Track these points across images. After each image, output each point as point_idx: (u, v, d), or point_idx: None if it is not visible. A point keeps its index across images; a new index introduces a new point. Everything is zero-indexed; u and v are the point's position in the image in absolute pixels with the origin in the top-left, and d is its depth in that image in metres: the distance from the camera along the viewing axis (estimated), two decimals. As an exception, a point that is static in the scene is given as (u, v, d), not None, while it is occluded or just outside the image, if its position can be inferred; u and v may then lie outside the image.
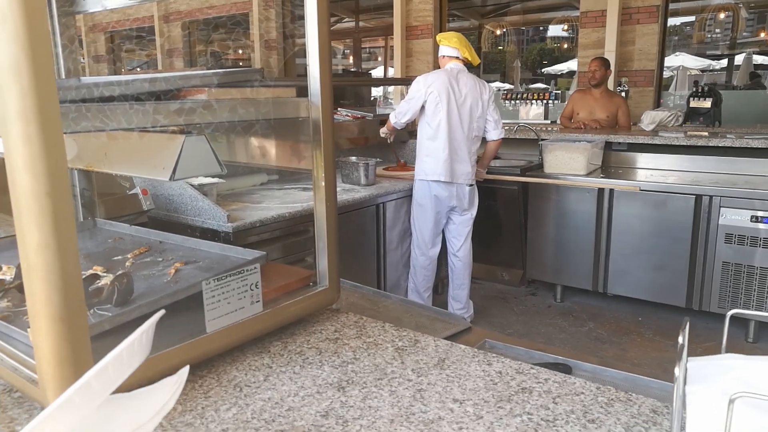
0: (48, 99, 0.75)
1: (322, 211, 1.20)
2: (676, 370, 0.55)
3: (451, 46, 3.55)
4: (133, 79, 1.06)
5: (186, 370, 0.67)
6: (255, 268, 1.08)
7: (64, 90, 0.93)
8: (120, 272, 1.15)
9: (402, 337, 1.17)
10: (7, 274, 1.28)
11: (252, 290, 1.07)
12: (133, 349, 0.59)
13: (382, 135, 3.94)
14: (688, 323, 0.62)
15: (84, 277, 1.13)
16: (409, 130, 4.64)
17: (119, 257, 1.39)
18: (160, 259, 1.37)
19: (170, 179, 0.96)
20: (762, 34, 12.37)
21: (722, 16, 9.79)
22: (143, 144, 1.07)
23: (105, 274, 1.25)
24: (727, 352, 0.78)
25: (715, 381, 0.63)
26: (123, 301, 1.09)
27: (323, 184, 1.19)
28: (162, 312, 0.64)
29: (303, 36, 1.14)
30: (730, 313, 0.70)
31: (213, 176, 2.68)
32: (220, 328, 1.03)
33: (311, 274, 1.26)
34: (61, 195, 0.78)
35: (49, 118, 0.75)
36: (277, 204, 3.09)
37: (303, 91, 1.20)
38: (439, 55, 3.65)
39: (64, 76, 1.59)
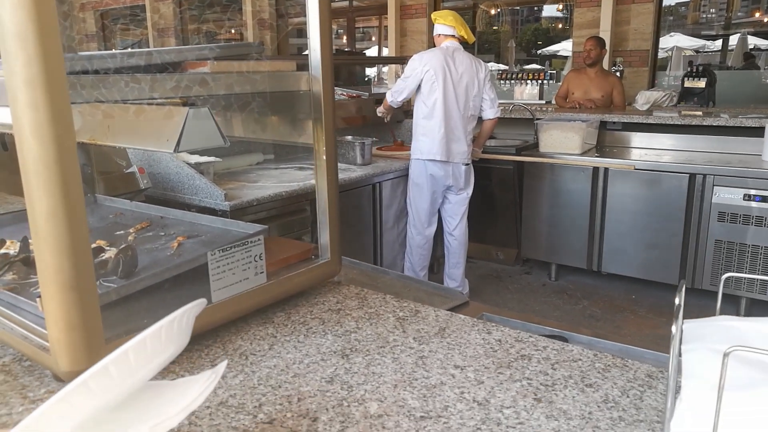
0: (54, 66, 0.76)
1: (324, 186, 1.21)
2: (673, 328, 0.57)
3: (446, 24, 3.54)
4: (135, 52, 1.07)
5: (223, 365, 0.66)
6: (259, 239, 1.09)
7: (68, 61, 0.93)
8: (124, 245, 1.17)
9: (403, 308, 1.19)
10: (11, 249, 1.29)
11: (256, 261, 1.09)
12: (160, 336, 0.58)
13: (379, 114, 3.95)
14: (684, 285, 0.64)
15: (88, 249, 1.14)
16: (405, 110, 4.64)
17: (121, 232, 1.40)
18: (162, 234, 1.38)
19: (174, 151, 0.96)
20: (757, 14, 12.35)
21: (717, -5, 9.75)
22: (146, 117, 1.07)
23: (109, 248, 1.26)
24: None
25: (710, 339, 0.65)
26: (128, 273, 1.10)
27: (324, 158, 1.20)
28: (203, 300, 0.63)
29: (296, 15, 1.14)
30: (724, 276, 0.72)
31: (215, 147, 2.69)
32: (225, 298, 1.05)
33: (313, 248, 1.28)
34: (69, 163, 0.79)
35: (55, 86, 0.76)
36: (273, 183, 3.10)
37: (302, 67, 1.20)
38: (435, 33, 3.64)
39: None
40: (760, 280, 3.44)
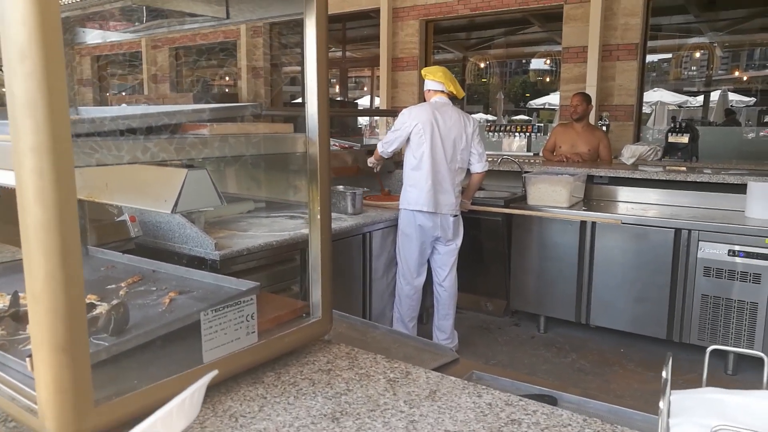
0: (61, 134, 0.78)
1: (317, 245, 1.23)
2: (661, 404, 0.59)
3: (436, 80, 3.64)
4: (133, 113, 1.10)
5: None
6: (251, 299, 1.10)
7: (73, 123, 0.96)
8: (116, 301, 1.17)
9: (393, 369, 1.19)
10: (0, 302, 1.29)
11: (248, 321, 1.10)
12: (171, 415, 0.58)
13: (370, 165, 4.01)
14: (671, 358, 0.66)
15: (80, 305, 1.14)
16: (396, 161, 4.71)
17: (113, 286, 1.40)
18: (154, 288, 1.38)
19: (172, 211, 0.98)
20: (736, 72, 12.78)
21: (698, 54, 10.13)
22: (145, 176, 1.09)
23: (100, 303, 1.26)
24: (707, 384, 0.81)
25: (697, 414, 0.67)
26: (119, 331, 1.10)
27: (319, 217, 1.22)
28: (215, 372, 0.64)
29: (289, 64, 1.18)
30: (709, 348, 0.74)
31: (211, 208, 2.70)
32: (216, 359, 1.05)
33: (304, 306, 1.28)
34: (69, 228, 0.80)
35: (61, 153, 0.78)
36: (264, 232, 3.10)
37: (292, 121, 1.23)
38: (425, 89, 3.74)
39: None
40: (746, 337, 3.46)
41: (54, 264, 0.79)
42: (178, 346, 1.13)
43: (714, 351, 0.85)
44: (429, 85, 3.68)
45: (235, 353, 1.08)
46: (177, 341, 1.14)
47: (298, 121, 1.27)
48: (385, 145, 3.72)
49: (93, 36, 1.72)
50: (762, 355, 0.77)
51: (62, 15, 1.45)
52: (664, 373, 0.63)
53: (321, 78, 1.16)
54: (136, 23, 1.60)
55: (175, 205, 0.98)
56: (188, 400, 0.58)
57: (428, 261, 3.79)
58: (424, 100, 3.75)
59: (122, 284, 1.40)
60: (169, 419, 0.57)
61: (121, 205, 2.17)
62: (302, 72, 1.21)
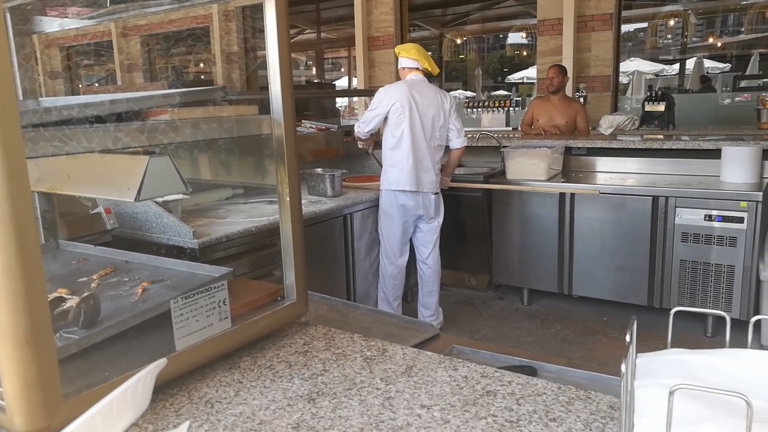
0: (9, 125, 0.76)
1: (288, 227, 1.22)
2: (623, 367, 0.59)
3: (410, 57, 3.61)
4: (94, 100, 1.07)
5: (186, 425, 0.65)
6: (222, 285, 1.09)
7: (25, 114, 0.93)
8: (86, 294, 1.15)
9: (370, 347, 1.19)
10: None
11: (220, 307, 1.09)
12: (126, 398, 0.57)
13: (361, 146, 3.97)
14: (635, 322, 0.66)
15: (48, 300, 1.12)
16: (375, 140, 4.69)
17: (84, 279, 1.38)
18: (127, 279, 1.36)
19: (135, 200, 0.96)
20: (710, 39, 12.84)
21: (672, 22, 10.15)
22: (107, 165, 1.07)
23: (70, 297, 1.24)
24: (685, 346, 0.82)
25: (662, 375, 0.67)
26: (90, 323, 1.09)
27: (288, 199, 1.21)
28: (164, 360, 0.62)
29: (264, 48, 1.16)
30: (673, 310, 0.74)
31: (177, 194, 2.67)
32: (189, 346, 1.04)
33: (279, 289, 1.28)
34: (24, 219, 0.79)
35: (10, 145, 0.76)
36: (243, 218, 3.08)
37: (266, 105, 1.22)
38: (399, 66, 3.70)
39: (21, 97, 1.57)
40: (724, 300, 3.52)
41: (10, 258, 0.77)
42: (151, 336, 1.12)
43: (694, 315, 0.86)
44: (403, 62, 3.65)
45: (209, 339, 1.07)
46: (150, 331, 1.13)
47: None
48: (361, 125, 3.68)
49: (53, 24, 1.68)
50: (724, 314, 0.77)
51: (18, 2, 1.41)
52: (627, 337, 0.63)
53: (283, 57, 1.14)
54: (97, 8, 1.56)
55: (138, 193, 0.97)
56: (131, 391, 0.57)
57: (411, 240, 3.79)
58: (399, 79, 3.72)
59: (94, 276, 1.38)
60: (109, 412, 0.55)
61: (86, 196, 2.14)
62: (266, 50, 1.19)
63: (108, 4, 1.52)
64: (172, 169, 1.02)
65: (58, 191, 1.11)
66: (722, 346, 0.80)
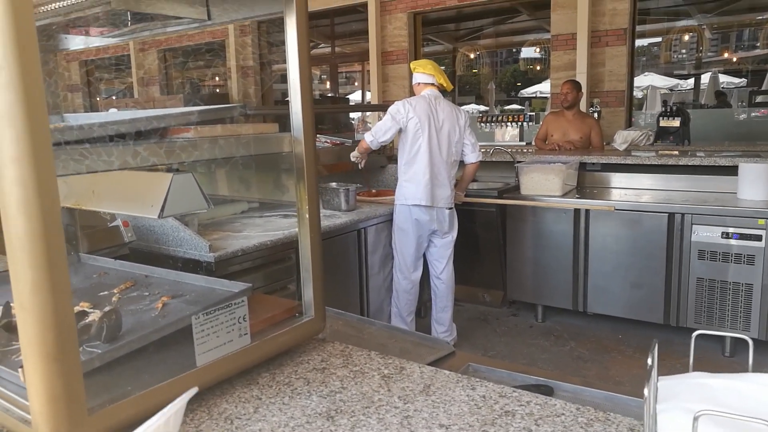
0: (42, 144, 0.78)
1: (307, 243, 1.23)
2: (645, 390, 0.59)
3: (426, 72, 3.63)
4: (119, 118, 1.09)
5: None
6: (242, 301, 1.10)
7: (53, 132, 0.95)
8: (108, 308, 1.17)
9: (388, 365, 1.20)
10: (-7, 313, 1.28)
11: (240, 323, 1.10)
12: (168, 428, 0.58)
13: (353, 159, 3.86)
14: (656, 345, 0.66)
15: (72, 314, 1.14)
16: (388, 155, 4.71)
17: (105, 292, 1.40)
18: (147, 294, 1.38)
19: (159, 217, 0.98)
20: (726, 54, 12.80)
21: (687, 37, 10.14)
22: (131, 182, 1.09)
23: (92, 311, 1.26)
24: (704, 367, 0.82)
25: (684, 398, 0.67)
26: (112, 338, 1.10)
27: (307, 216, 1.22)
28: (195, 389, 0.64)
29: (279, 62, 1.18)
30: (695, 333, 0.74)
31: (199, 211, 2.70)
32: (209, 362, 1.05)
33: (297, 305, 1.29)
34: (54, 236, 0.80)
35: (42, 162, 0.78)
36: (258, 232, 3.10)
37: (283, 120, 1.23)
38: (414, 82, 3.71)
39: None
40: (742, 319, 3.48)
41: (40, 273, 0.79)
42: (171, 350, 1.14)
43: (712, 334, 0.85)
44: (419, 78, 3.67)
45: (229, 355, 1.08)
46: (170, 345, 1.15)
47: (288, 119, 1.26)
48: (377, 135, 3.60)
49: (76, 42, 1.72)
50: (747, 338, 0.77)
51: (44, 22, 1.45)
52: (649, 360, 0.63)
53: (304, 77, 1.16)
54: (120, 27, 1.60)
55: (162, 210, 0.98)
56: (172, 420, 0.59)
57: (424, 255, 3.79)
58: (413, 94, 3.74)
59: (115, 290, 1.40)
60: None
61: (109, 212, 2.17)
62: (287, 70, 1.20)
63: (129, 25, 1.55)
64: (194, 186, 1.04)
65: (83, 207, 1.13)
66: (741, 366, 0.79)
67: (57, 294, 0.81)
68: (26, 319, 0.81)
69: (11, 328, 1.20)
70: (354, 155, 3.85)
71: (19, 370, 0.95)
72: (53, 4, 1.11)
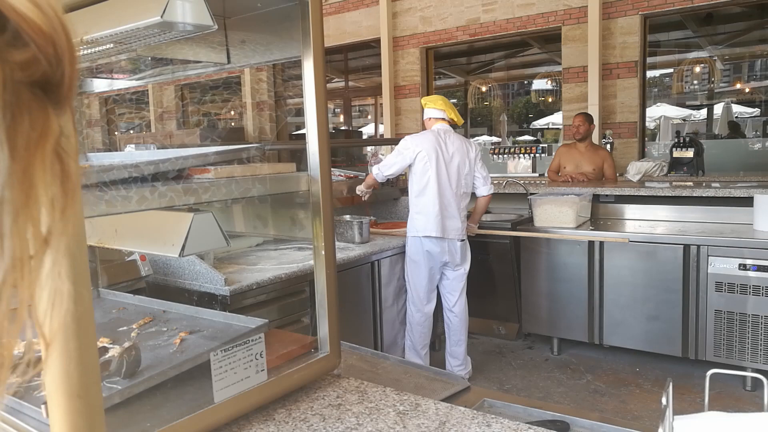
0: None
1: (323, 280, 1.25)
2: (660, 431, 0.60)
3: (437, 108, 3.69)
4: (142, 160, 1.13)
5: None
6: (259, 337, 1.12)
7: (82, 175, 0.99)
8: (127, 344, 1.19)
9: (403, 401, 1.20)
10: (15, 349, 1.31)
11: (257, 359, 1.11)
12: None
13: (359, 193, 3.93)
14: (671, 384, 0.67)
15: (92, 350, 1.16)
16: (401, 188, 4.75)
17: (124, 328, 1.43)
18: (165, 329, 1.40)
19: (180, 255, 1.01)
20: (738, 84, 12.81)
21: (698, 69, 10.18)
22: (152, 221, 1.12)
23: (112, 346, 1.28)
24: (724, 401, 0.82)
25: (700, 440, 0.67)
26: (131, 373, 1.12)
27: (323, 252, 1.25)
28: None
29: (294, 97, 1.22)
30: (709, 373, 0.75)
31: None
32: (227, 398, 1.06)
33: (312, 341, 1.30)
34: (80, 275, 0.83)
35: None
36: (273, 265, 3.13)
37: (298, 154, 1.27)
38: (425, 117, 3.78)
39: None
40: (762, 352, 3.42)
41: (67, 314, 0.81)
42: (188, 386, 1.15)
43: (729, 366, 0.85)
44: (429, 113, 3.73)
45: (246, 392, 1.10)
46: (188, 381, 1.16)
47: (303, 154, 1.30)
48: (383, 168, 3.68)
49: (101, 84, 1.78)
50: (762, 377, 0.77)
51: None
52: (663, 399, 0.64)
53: (320, 118, 1.20)
54: (142, 71, 1.66)
55: (182, 249, 1.01)
56: None
57: (438, 287, 3.79)
58: (425, 128, 3.80)
59: (134, 326, 1.43)
60: None
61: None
62: (304, 111, 1.24)
63: (151, 68, 1.61)
64: (214, 225, 1.07)
65: (106, 245, 1.16)
66: (762, 400, 0.79)
67: (82, 332, 0.83)
68: (51, 357, 0.84)
69: (34, 365, 1.23)
70: (360, 189, 3.94)
71: (42, 406, 0.97)
72: (83, 51, 1.17)
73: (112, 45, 1.22)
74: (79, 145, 1.69)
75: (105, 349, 1.24)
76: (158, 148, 3.58)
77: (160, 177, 1.10)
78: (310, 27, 1.14)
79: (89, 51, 1.18)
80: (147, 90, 10.96)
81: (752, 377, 3.49)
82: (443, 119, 3.68)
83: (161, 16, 0.97)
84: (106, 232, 1.19)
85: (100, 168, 1.04)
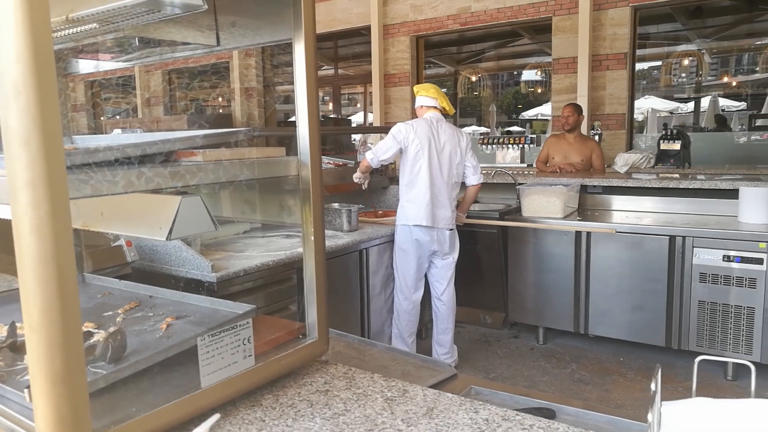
0: (56, 168, 0.80)
1: (311, 266, 1.24)
2: (650, 416, 0.60)
3: (429, 96, 3.67)
4: (129, 142, 1.11)
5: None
6: (247, 323, 1.11)
7: (67, 155, 0.97)
8: (113, 329, 1.17)
9: (391, 387, 1.20)
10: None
11: (245, 345, 1.10)
12: None
13: (356, 180, 3.91)
14: (660, 370, 0.67)
15: (77, 334, 1.15)
16: (390, 176, 4.74)
17: (110, 313, 1.41)
18: (151, 314, 1.39)
19: (167, 239, 1.00)
20: (725, 78, 12.91)
21: (686, 61, 10.23)
22: (139, 204, 1.11)
23: (97, 331, 1.27)
24: (706, 391, 0.83)
25: (687, 425, 0.68)
26: (117, 358, 1.11)
27: (312, 238, 1.24)
28: (217, 416, 0.64)
29: (282, 83, 1.20)
30: (698, 359, 0.75)
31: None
32: (214, 383, 1.05)
33: (300, 327, 1.29)
34: (65, 259, 0.82)
35: (56, 186, 0.80)
36: (260, 252, 3.11)
37: (287, 141, 1.25)
38: (417, 105, 3.76)
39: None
40: (744, 342, 3.47)
41: (50, 295, 0.80)
42: (175, 371, 1.14)
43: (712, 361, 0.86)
44: (422, 101, 3.71)
45: (233, 377, 1.09)
46: (175, 366, 1.15)
47: (292, 141, 1.28)
48: (378, 152, 3.63)
49: (86, 65, 1.75)
50: (749, 363, 0.78)
51: (57, 47, 1.48)
52: (653, 385, 0.64)
53: (311, 102, 1.19)
54: (129, 52, 1.63)
55: (170, 232, 1.00)
56: None
57: (426, 276, 3.80)
58: (416, 116, 3.78)
59: (119, 311, 1.41)
60: None
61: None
62: (294, 95, 1.23)
63: (139, 49, 1.58)
64: (202, 208, 1.06)
65: (91, 228, 1.14)
66: (743, 389, 0.80)
67: (67, 316, 0.82)
68: (35, 341, 0.82)
69: (16, 348, 1.21)
70: (356, 176, 3.90)
71: (26, 390, 0.96)
72: (68, 31, 1.14)
73: (98, 24, 1.19)
74: (65, 128, 1.66)
75: (90, 334, 1.23)
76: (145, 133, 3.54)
77: (146, 160, 1.09)
78: (302, 9, 1.12)
79: (74, 30, 1.16)
80: (134, 74, 10.82)
81: (738, 364, 3.56)
82: (435, 108, 3.67)
83: (149, -5, 0.95)
84: (91, 215, 1.17)
85: (86, 149, 1.02)
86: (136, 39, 1.46)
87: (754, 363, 0.81)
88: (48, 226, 0.79)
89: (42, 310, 0.81)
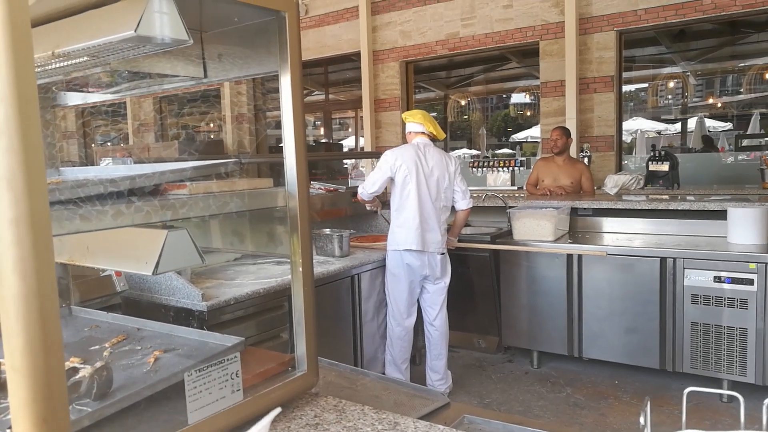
0: (39, 205, 0.79)
1: (300, 296, 1.23)
2: (640, 453, 0.59)
3: (416, 122, 3.71)
4: (116, 176, 1.11)
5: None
6: (235, 357, 1.10)
7: (51, 190, 0.97)
8: (99, 364, 1.16)
9: (381, 420, 1.18)
10: (-18, 370, 1.27)
11: (233, 379, 1.09)
12: None
13: (369, 208, 4.10)
14: (648, 403, 0.67)
15: (62, 370, 1.13)
16: (381, 201, 4.75)
17: (97, 347, 1.39)
18: (139, 347, 1.37)
19: (153, 273, 0.99)
20: (711, 99, 13.10)
21: (672, 83, 10.39)
22: (125, 237, 1.10)
23: (83, 366, 1.24)
24: (702, 413, 0.82)
25: (678, 459, 0.67)
26: (102, 395, 1.09)
27: (300, 269, 1.23)
28: (278, 410, 0.64)
29: (272, 110, 1.21)
30: (686, 391, 0.75)
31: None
32: (202, 419, 1.04)
33: (290, 359, 1.28)
34: (48, 297, 0.81)
35: (39, 224, 0.79)
36: (251, 280, 3.09)
37: (278, 167, 1.25)
38: (406, 131, 3.80)
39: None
40: (738, 363, 3.46)
41: (33, 334, 0.79)
42: (163, 406, 1.12)
43: (708, 378, 0.86)
44: (410, 127, 3.75)
45: (221, 412, 1.07)
46: (162, 401, 1.13)
47: (282, 168, 1.28)
48: (366, 186, 3.72)
49: (75, 98, 1.75)
50: (738, 395, 0.78)
51: (44, 81, 1.48)
52: (641, 419, 0.64)
53: (298, 132, 1.19)
54: (118, 84, 1.63)
55: (156, 266, 0.99)
56: None
57: (418, 301, 3.78)
58: (406, 142, 3.81)
59: (106, 344, 1.39)
60: None
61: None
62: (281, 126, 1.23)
63: (127, 81, 1.59)
64: (189, 242, 1.05)
65: (77, 263, 1.13)
66: (739, 411, 0.79)
67: (49, 355, 0.80)
68: (17, 381, 0.81)
69: (0, 386, 1.19)
70: (368, 205, 4.05)
71: (7, 430, 0.94)
72: (54, 65, 1.15)
73: (86, 58, 1.20)
74: (53, 159, 1.65)
75: (75, 370, 1.21)
76: (135, 162, 3.54)
77: (134, 193, 1.08)
78: (288, 42, 1.13)
79: (63, 64, 1.16)
80: (124, 102, 10.85)
81: (731, 384, 3.54)
82: (423, 133, 3.70)
83: (135, 30, 0.96)
84: (77, 250, 1.16)
85: (72, 182, 1.01)
86: (125, 71, 1.47)
87: (748, 384, 0.81)
88: (30, 264, 0.78)
89: (24, 350, 0.79)
